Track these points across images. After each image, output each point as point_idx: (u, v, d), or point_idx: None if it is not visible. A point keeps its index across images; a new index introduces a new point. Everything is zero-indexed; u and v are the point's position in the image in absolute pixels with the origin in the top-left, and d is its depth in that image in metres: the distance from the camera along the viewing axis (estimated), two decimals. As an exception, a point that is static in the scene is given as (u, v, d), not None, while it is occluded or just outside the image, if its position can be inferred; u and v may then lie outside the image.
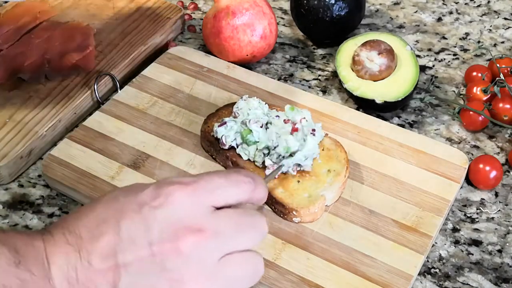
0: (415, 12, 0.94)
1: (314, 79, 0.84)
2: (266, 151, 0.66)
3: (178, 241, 0.44)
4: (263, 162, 0.66)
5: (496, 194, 0.70)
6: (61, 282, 0.45)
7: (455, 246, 0.65)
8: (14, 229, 0.67)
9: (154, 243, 0.44)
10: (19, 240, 0.47)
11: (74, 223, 0.47)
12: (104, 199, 0.48)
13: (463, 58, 0.87)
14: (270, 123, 0.67)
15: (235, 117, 0.69)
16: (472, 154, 0.74)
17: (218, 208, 0.47)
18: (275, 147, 0.65)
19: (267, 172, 0.65)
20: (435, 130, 0.77)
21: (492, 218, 0.68)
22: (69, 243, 0.46)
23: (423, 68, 0.85)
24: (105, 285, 0.45)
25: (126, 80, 0.83)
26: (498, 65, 0.79)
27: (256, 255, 0.48)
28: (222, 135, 0.67)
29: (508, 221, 0.67)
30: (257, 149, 0.66)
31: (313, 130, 0.66)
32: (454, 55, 0.87)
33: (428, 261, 0.64)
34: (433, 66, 0.86)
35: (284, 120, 0.67)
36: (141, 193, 0.46)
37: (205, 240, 0.45)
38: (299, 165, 0.65)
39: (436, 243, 0.66)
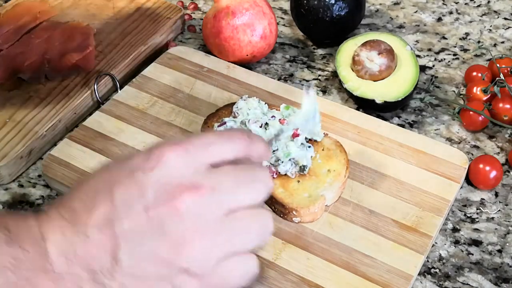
0: (415, 12, 0.94)
1: (314, 79, 0.84)
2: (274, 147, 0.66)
3: (174, 201, 0.42)
4: None
5: (496, 194, 0.70)
6: (58, 258, 0.43)
7: (455, 246, 0.65)
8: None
9: (150, 207, 0.42)
10: (10, 219, 0.45)
11: (67, 198, 0.45)
12: (98, 171, 0.46)
13: (463, 58, 0.87)
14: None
15: (234, 117, 0.69)
16: (472, 154, 0.74)
17: (216, 167, 0.45)
18: (274, 151, 0.65)
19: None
20: (435, 130, 0.77)
21: (492, 218, 0.68)
22: (64, 218, 0.44)
23: (423, 68, 0.85)
24: (104, 256, 0.42)
25: (126, 80, 0.83)
26: (498, 65, 0.79)
27: (264, 212, 0.45)
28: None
29: (508, 221, 0.67)
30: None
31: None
32: (454, 55, 0.87)
33: (428, 261, 0.64)
34: (433, 66, 0.86)
35: (280, 120, 0.67)
36: (132, 159, 0.45)
37: (203, 196, 0.42)
38: (301, 167, 0.65)
39: (436, 243, 0.66)
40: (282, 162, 0.64)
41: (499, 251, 0.65)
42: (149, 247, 0.42)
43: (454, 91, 0.82)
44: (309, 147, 0.66)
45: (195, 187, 0.43)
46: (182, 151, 0.44)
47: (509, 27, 0.91)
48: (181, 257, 0.42)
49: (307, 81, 0.83)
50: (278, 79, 0.83)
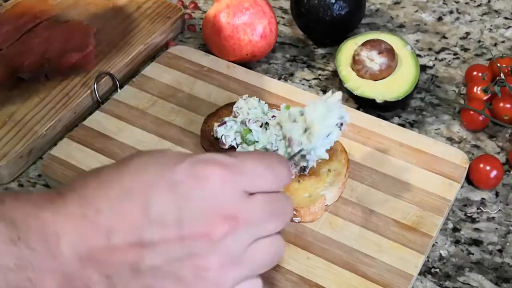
0: (415, 11, 0.94)
1: (314, 78, 0.84)
2: (269, 146, 0.66)
3: (210, 227, 0.41)
4: None
5: (497, 194, 0.70)
6: (72, 259, 0.41)
7: (455, 246, 0.65)
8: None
9: (184, 227, 0.41)
10: (20, 211, 0.42)
11: (94, 193, 0.42)
12: (132, 167, 0.43)
13: (464, 58, 0.87)
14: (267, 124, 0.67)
15: (235, 116, 0.69)
16: (473, 154, 0.74)
17: (251, 193, 0.44)
18: (275, 151, 0.65)
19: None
20: (436, 129, 0.77)
21: (493, 217, 0.68)
22: (85, 216, 0.41)
23: (423, 68, 0.85)
24: (124, 264, 0.41)
25: (126, 79, 0.83)
26: (498, 64, 0.79)
27: (279, 238, 0.46)
28: (222, 135, 0.67)
29: (509, 221, 0.67)
30: (255, 149, 0.66)
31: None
32: (455, 54, 0.87)
33: (428, 260, 0.64)
34: (434, 65, 0.86)
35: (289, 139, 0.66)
36: (175, 169, 0.42)
37: (237, 228, 0.42)
38: (301, 168, 0.64)
39: (436, 242, 0.65)
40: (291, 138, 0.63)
41: (500, 250, 0.65)
42: (173, 266, 0.42)
43: (454, 91, 0.82)
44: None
45: (232, 218, 0.42)
46: (228, 175, 0.43)
47: (509, 27, 0.91)
48: (200, 280, 0.42)
49: (307, 80, 0.83)
50: (278, 79, 0.83)
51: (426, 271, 0.63)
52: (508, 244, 0.65)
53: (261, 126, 0.66)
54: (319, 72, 0.85)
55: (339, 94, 0.60)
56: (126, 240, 0.41)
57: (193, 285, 0.42)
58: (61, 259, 0.41)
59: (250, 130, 0.66)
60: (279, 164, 0.46)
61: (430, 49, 0.88)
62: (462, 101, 0.79)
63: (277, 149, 0.63)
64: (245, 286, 0.44)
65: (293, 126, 0.59)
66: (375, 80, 0.77)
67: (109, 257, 0.41)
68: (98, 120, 0.75)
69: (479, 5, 0.95)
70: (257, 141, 0.66)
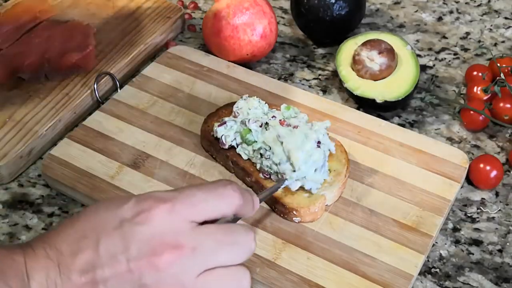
0: (415, 11, 0.94)
1: (314, 78, 0.84)
2: (263, 152, 0.66)
3: (155, 257, 0.45)
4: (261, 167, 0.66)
5: (497, 194, 0.70)
6: None
7: (455, 246, 0.65)
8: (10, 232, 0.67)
9: (131, 260, 0.45)
10: None
11: (54, 238, 0.47)
12: (85, 213, 0.48)
13: (464, 58, 0.87)
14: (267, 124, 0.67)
15: (235, 116, 0.69)
16: (473, 154, 0.74)
17: (203, 223, 0.47)
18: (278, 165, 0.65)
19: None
20: (436, 129, 0.77)
21: (493, 217, 0.68)
22: (49, 257, 0.46)
23: (423, 68, 0.85)
24: None
25: (126, 79, 0.83)
26: (498, 64, 0.79)
27: (241, 270, 0.47)
28: (222, 135, 0.67)
29: (509, 221, 0.67)
30: (253, 150, 0.66)
31: (318, 142, 0.65)
32: (455, 54, 0.87)
33: (428, 260, 0.64)
34: (434, 65, 0.86)
35: (280, 121, 0.67)
36: (121, 208, 0.47)
37: (182, 256, 0.45)
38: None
39: (436, 242, 0.65)
40: (287, 179, 0.64)
41: (500, 250, 0.65)
42: None
43: (454, 91, 0.82)
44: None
45: (177, 246, 0.45)
46: (169, 207, 0.46)
47: (509, 27, 0.91)
48: None
49: (308, 80, 0.83)
50: (278, 79, 0.83)
51: (426, 271, 0.63)
52: (508, 244, 0.65)
53: (261, 126, 0.66)
54: (319, 72, 0.85)
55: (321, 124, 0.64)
56: (82, 277, 0.45)
57: None
58: None
59: (250, 130, 0.66)
60: (223, 187, 0.48)
61: (430, 49, 0.88)
62: (462, 101, 0.79)
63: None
64: None
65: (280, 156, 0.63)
66: (375, 80, 0.77)
67: None
68: (98, 120, 0.75)
69: (479, 5, 0.95)
70: (257, 141, 0.66)
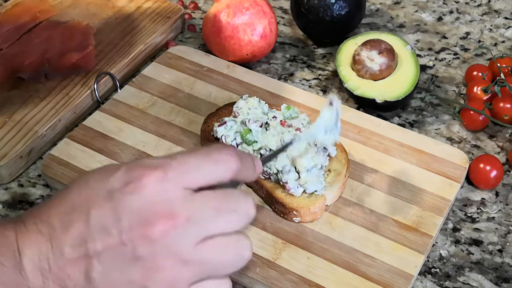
0: (415, 11, 0.94)
1: (314, 78, 0.84)
2: (263, 152, 0.66)
3: (148, 228, 0.42)
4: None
5: (497, 194, 0.70)
6: (34, 273, 0.44)
7: (455, 246, 0.65)
8: None
9: (123, 231, 0.43)
10: None
11: (46, 212, 0.45)
12: (75, 185, 0.46)
13: (464, 58, 0.87)
14: (268, 124, 0.67)
15: (235, 116, 0.69)
16: (473, 154, 0.74)
17: (198, 189, 0.44)
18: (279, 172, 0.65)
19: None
20: (436, 129, 0.77)
21: (493, 217, 0.68)
22: (41, 232, 0.44)
23: (423, 68, 0.85)
24: (77, 275, 0.44)
25: (126, 79, 0.83)
26: (498, 64, 0.79)
27: (242, 239, 0.45)
28: (222, 135, 0.67)
29: (509, 221, 0.67)
30: (253, 150, 0.66)
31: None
32: (455, 54, 0.87)
33: (428, 260, 0.64)
34: (434, 65, 0.86)
35: (281, 121, 0.67)
36: (111, 178, 0.44)
37: (177, 226, 0.43)
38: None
39: (436, 242, 0.65)
40: (287, 182, 0.64)
41: (500, 250, 0.65)
42: (121, 270, 0.43)
43: (454, 91, 0.82)
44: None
45: (171, 216, 0.43)
46: (160, 176, 0.43)
47: (509, 27, 0.91)
48: (153, 281, 0.43)
49: (308, 80, 0.83)
50: (278, 79, 0.83)
51: (426, 271, 0.63)
52: (508, 244, 0.65)
53: (261, 126, 0.66)
54: (319, 72, 0.85)
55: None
56: (75, 251, 0.44)
57: (147, 286, 0.43)
58: (25, 274, 0.44)
59: (250, 130, 0.66)
60: (218, 151, 0.45)
61: (430, 49, 0.88)
62: (462, 101, 0.79)
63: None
64: (207, 286, 0.45)
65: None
66: (375, 80, 0.77)
67: (65, 270, 0.44)
68: (98, 120, 0.75)
69: (479, 5, 0.95)
70: (257, 141, 0.66)
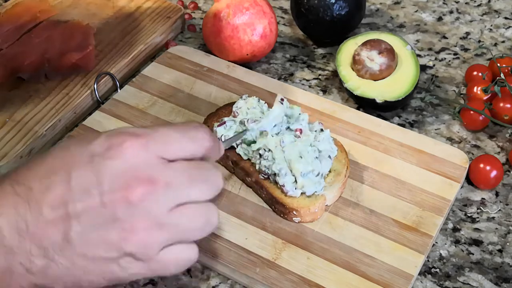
0: (415, 11, 0.94)
1: (314, 78, 0.84)
2: (262, 152, 0.65)
3: (128, 191, 0.44)
4: (260, 169, 0.66)
5: (497, 194, 0.70)
6: (11, 233, 0.45)
7: (455, 246, 0.65)
8: None
9: (104, 194, 0.44)
10: None
11: (23, 174, 0.46)
12: (55, 150, 0.47)
13: (464, 58, 0.87)
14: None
15: (234, 116, 0.69)
16: (473, 154, 0.74)
17: (172, 161, 0.47)
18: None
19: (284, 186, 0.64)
20: (436, 129, 0.77)
21: (493, 217, 0.68)
22: (18, 194, 0.45)
23: (423, 68, 0.85)
24: (56, 235, 0.45)
25: (126, 79, 0.83)
26: (498, 64, 0.79)
27: (210, 207, 0.48)
28: (222, 135, 0.67)
29: (509, 221, 0.67)
30: (252, 150, 0.66)
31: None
32: (455, 54, 0.87)
33: (428, 260, 0.64)
34: (434, 65, 0.85)
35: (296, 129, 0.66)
36: (92, 143, 0.46)
37: (156, 190, 0.45)
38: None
39: (436, 242, 0.65)
40: (284, 185, 0.64)
41: (500, 250, 0.65)
42: (99, 231, 0.45)
43: (454, 91, 0.82)
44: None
45: (150, 180, 0.45)
46: (142, 143, 0.46)
47: (509, 27, 0.91)
48: (129, 243, 0.45)
49: (308, 80, 0.83)
50: (278, 79, 0.83)
51: (426, 271, 0.63)
52: (508, 244, 0.65)
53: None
54: (319, 72, 0.85)
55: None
56: (54, 212, 0.45)
57: (122, 247, 0.45)
58: (2, 233, 0.45)
59: (247, 128, 0.66)
60: (196, 129, 0.48)
61: (430, 49, 0.88)
62: (462, 101, 0.79)
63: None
64: (176, 250, 0.47)
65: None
66: (375, 80, 0.77)
67: (43, 230, 0.45)
68: (98, 120, 0.75)
69: (479, 5, 0.95)
70: (255, 141, 0.66)
